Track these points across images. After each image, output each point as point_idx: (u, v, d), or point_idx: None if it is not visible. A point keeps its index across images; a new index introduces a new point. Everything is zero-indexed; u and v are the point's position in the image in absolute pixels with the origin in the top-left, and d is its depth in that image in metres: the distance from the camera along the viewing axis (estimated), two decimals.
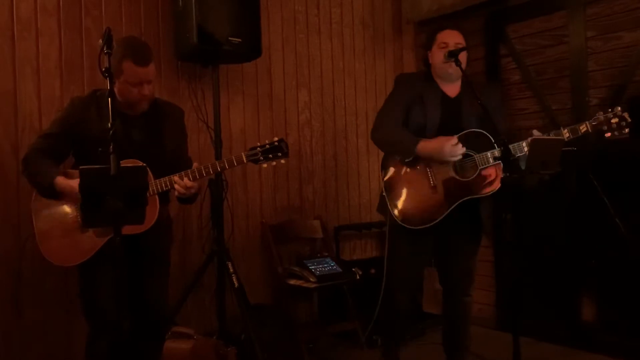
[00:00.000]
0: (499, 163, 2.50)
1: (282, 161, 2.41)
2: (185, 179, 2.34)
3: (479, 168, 2.57)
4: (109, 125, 1.82)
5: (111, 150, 1.77)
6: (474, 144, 2.60)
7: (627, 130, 2.47)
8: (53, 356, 2.95)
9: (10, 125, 2.88)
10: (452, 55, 2.60)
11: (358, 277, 3.59)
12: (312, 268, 3.51)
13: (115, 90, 2.28)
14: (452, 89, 2.76)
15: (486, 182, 2.59)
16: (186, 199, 2.47)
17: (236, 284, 3.14)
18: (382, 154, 2.89)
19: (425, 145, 2.58)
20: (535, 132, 2.50)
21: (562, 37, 3.65)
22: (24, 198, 2.72)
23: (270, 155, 2.39)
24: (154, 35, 3.33)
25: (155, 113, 2.47)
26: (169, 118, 2.53)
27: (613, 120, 2.46)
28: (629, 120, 2.47)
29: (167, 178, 2.35)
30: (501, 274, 4.01)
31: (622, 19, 3.37)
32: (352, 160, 4.27)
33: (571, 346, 3.56)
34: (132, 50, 2.28)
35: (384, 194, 2.72)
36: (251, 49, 3.30)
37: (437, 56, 2.70)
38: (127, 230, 1.88)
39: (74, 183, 2.21)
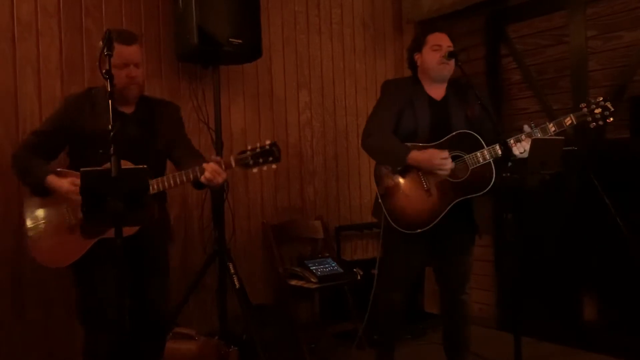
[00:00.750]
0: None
1: (273, 166, 2.29)
2: (212, 164, 2.27)
3: (470, 168, 2.59)
4: (110, 126, 1.81)
5: (112, 151, 1.76)
6: (463, 144, 2.62)
7: (610, 119, 2.51)
8: (54, 356, 2.95)
9: (11, 125, 2.88)
10: (452, 55, 2.63)
11: (359, 277, 3.59)
12: (313, 268, 3.51)
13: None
14: (438, 92, 2.77)
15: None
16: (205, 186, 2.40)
17: (237, 285, 3.14)
18: None
19: (416, 157, 2.59)
20: (526, 127, 2.54)
21: (563, 36, 3.65)
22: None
23: (261, 160, 2.27)
24: (154, 36, 3.34)
25: (149, 110, 2.47)
26: (163, 114, 2.52)
27: (596, 111, 2.51)
28: (612, 109, 2.51)
29: (167, 176, 2.32)
30: (502, 273, 4.01)
31: (622, 18, 3.36)
32: (352, 161, 4.28)
33: (572, 346, 3.56)
34: (116, 32, 2.28)
35: (379, 201, 2.73)
36: (252, 50, 3.30)
37: (431, 58, 2.70)
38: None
39: (65, 183, 2.22)
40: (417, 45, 2.78)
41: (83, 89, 2.50)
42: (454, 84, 2.80)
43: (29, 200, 2.36)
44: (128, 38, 2.33)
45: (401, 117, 2.72)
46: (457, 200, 2.61)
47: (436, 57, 2.68)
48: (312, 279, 3.45)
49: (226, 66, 3.53)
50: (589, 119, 2.53)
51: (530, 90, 3.86)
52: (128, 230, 2.11)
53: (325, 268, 3.56)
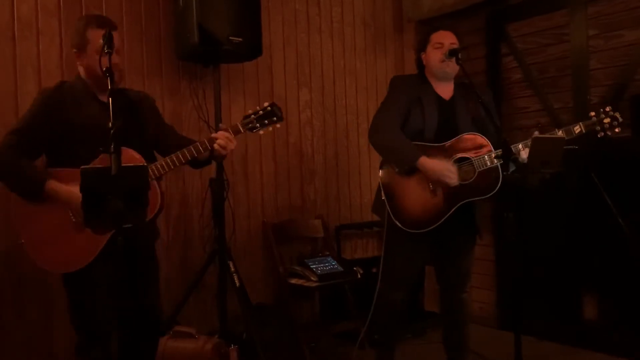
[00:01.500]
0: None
1: (278, 125, 2.34)
2: (222, 132, 2.29)
3: (477, 171, 2.58)
4: (110, 125, 1.75)
5: (112, 149, 1.74)
6: (469, 146, 2.62)
7: (618, 129, 2.60)
8: (54, 356, 2.95)
9: (11, 125, 2.87)
10: (453, 54, 2.62)
11: (359, 276, 3.60)
12: (314, 267, 3.51)
13: (84, 70, 2.25)
14: (446, 91, 2.76)
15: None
16: (206, 161, 2.40)
17: (237, 284, 3.14)
18: None
19: (426, 164, 2.57)
20: (536, 133, 2.55)
21: (564, 35, 3.65)
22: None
23: (266, 121, 2.32)
24: (154, 35, 3.33)
25: (129, 100, 2.39)
26: (143, 103, 2.45)
27: (605, 120, 2.60)
28: (621, 119, 2.59)
29: (160, 162, 2.26)
30: (502, 273, 4.01)
31: (623, 17, 3.36)
32: (353, 159, 4.27)
33: (573, 345, 3.56)
34: (94, 17, 2.27)
35: (383, 198, 2.72)
36: (252, 49, 3.30)
37: (433, 56, 2.71)
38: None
39: (74, 188, 2.03)
40: (422, 44, 2.78)
41: (55, 83, 2.33)
42: (462, 86, 2.79)
43: (23, 208, 2.20)
44: (106, 22, 2.24)
45: (409, 114, 2.70)
46: (462, 203, 2.61)
47: (438, 55, 2.68)
48: (313, 278, 3.45)
49: (226, 65, 3.53)
50: (598, 127, 2.59)
51: (530, 89, 3.85)
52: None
53: (326, 267, 3.56)
